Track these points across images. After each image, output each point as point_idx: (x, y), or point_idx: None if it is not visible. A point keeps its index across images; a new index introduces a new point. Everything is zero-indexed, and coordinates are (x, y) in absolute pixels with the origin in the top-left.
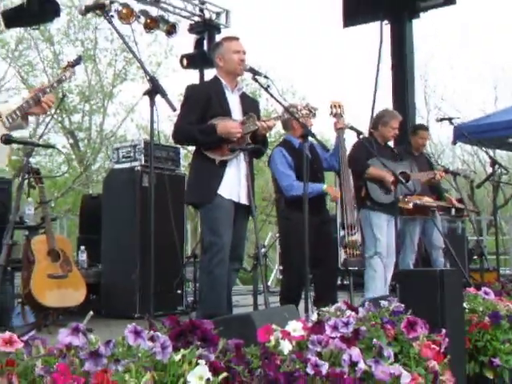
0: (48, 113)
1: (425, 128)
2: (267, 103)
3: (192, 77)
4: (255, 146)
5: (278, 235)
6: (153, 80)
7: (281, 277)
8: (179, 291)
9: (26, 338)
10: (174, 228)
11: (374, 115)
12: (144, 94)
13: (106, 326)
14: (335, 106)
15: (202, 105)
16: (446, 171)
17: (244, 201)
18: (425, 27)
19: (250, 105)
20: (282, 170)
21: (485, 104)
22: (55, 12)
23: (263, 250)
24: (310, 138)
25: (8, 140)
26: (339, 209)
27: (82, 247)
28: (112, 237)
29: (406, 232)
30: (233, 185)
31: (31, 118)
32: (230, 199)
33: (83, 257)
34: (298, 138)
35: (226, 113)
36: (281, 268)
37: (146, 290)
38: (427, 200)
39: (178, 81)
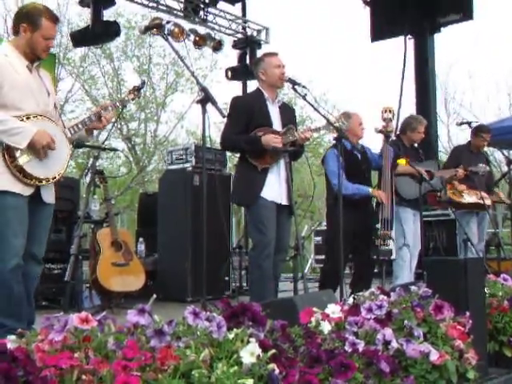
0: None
1: (487, 130)
2: (302, 111)
3: (234, 88)
4: (294, 147)
5: (313, 228)
6: (205, 90)
7: (316, 265)
8: (226, 278)
9: (98, 317)
10: (223, 221)
11: (402, 121)
12: (197, 102)
13: (162, 308)
14: (386, 111)
15: (247, 116)
16: (465, 169)
17: (285, 202)
18: (445, 40)
19: (287, 114)
20: (334, 169)
21: (500, 109)
22: (116, 32)
23: (301, 241)
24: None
25: (79, 144)
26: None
27: (141, 239)
28: (167, 229)
29: (464, 223)
30: (274, 188)
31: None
32: (272, 201)
33: (142, 247)
34: (351, 141)
35: (268, 123)
36: (317, 258)
37: (197, 277)
38: (484, 196)
39: (222, 91)
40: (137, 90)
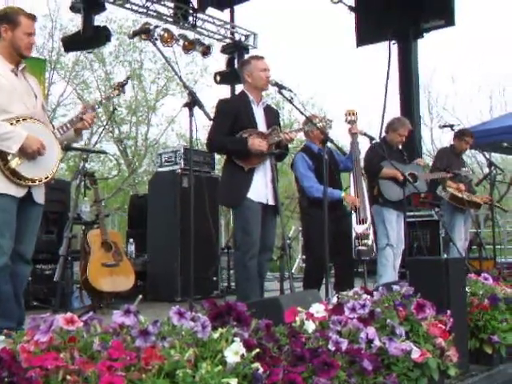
0: (95, 125)
1: (470, 134)
2: (290, 114)
3: (224, 91)
4: (280, 150)
5: (300, 229)
6: (192, 93)
7: (304, 265)
8: (215, 278)
9: (85, 318)
10: (210, 223)
11: (388, 121)
12: (184, 105)
13: (151, 308)
14: (349, 113)
15: (232, 118)
16: (448, 172)
17: (271, 202)
18: (428, 44)
19: (272, 116)
20: (304, 172)
21: (481, 112)
22: (107, 37)
23: (288, 241)
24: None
25: (67, 147)
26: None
27: (131, 240)
28: (156, 231)
29: (454, 222)
30: (260, 189)
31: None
32: (258, 201)
33: (132, 248)
34: (317, 144)
35: (253, 125)
36: (304, 257)
37: (186, 277)
38: (473, 196)
39: (212, 95)
40: (121, 85)
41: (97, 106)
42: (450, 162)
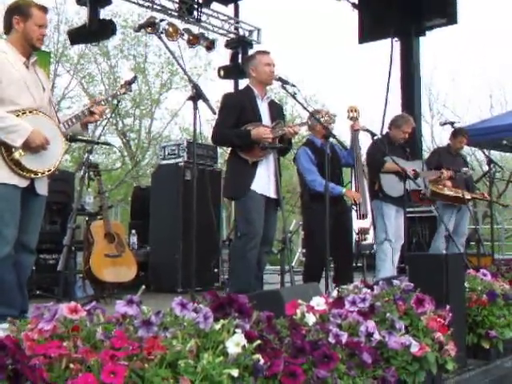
0: (104, 118)
1: (465, 132)
2: (292, 109)
3: (227, 86)
4: (282, 145)
5: (301, 223)
6: (196, 87)
7: (304, 259)
8: (216, 270)
9: (88, 307)
10: (212, 215)
11: (391, 117)
12: (188, 99)
13: (153, 299)
14: (352, 110)
15: (237, 112)
16: (449, 169)
17: (273, 195)
18: (430, 42)
19: (276, 111)
20: (307, 166)
21: (481, 110)
22: (112, 31)
23: (288, 235)
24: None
25: (72, 139)
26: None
27: (133, 231)
28: (159, 222)
29: (442, 216)
30: (263, 181)
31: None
32: (261, 194)
33: (134, 239)
34: (320, 139)
35: (258, 119)
36: (304, 251)
37: (187, 268)
38: (462, 192)
39: (216, 89)
40: (128, 84)
41: (103, 103)
42: (443, 161)
